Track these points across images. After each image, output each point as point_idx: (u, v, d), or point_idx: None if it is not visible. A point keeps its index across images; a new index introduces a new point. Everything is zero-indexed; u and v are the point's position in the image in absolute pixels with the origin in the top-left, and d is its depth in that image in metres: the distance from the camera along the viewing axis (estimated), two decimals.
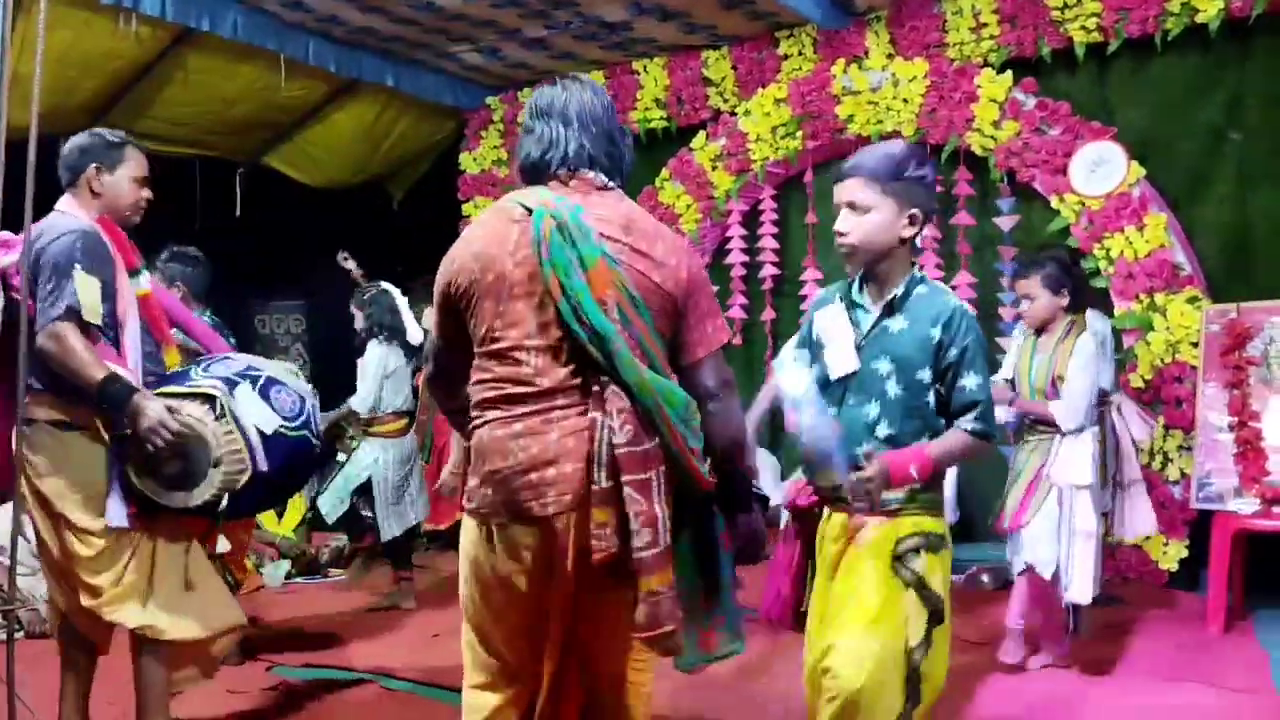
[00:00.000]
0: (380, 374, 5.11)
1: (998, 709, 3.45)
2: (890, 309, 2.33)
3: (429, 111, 7.36)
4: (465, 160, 7.50)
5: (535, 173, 2.17)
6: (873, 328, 2.34)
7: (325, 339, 8.10)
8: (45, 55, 2.72)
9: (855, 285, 2.41)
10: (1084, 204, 5.28)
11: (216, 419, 2.78)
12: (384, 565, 5.52)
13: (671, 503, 2.01)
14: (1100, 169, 5.24)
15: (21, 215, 2.66)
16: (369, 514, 5.20)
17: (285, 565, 6.01)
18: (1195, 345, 4.95)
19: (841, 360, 2.37)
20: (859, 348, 2.34)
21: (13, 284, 2.79)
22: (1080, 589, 3.76)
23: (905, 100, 5.75)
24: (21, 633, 4.30)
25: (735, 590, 2.18)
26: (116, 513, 2.80)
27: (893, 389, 2.28)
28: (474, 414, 2.13)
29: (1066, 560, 3.74)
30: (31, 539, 3.05)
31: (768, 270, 6.41)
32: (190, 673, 3.08)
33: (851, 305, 2.41)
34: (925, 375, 2.28)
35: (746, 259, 6.47)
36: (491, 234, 2.11)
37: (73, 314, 2.71)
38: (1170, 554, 5.07)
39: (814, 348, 2.50)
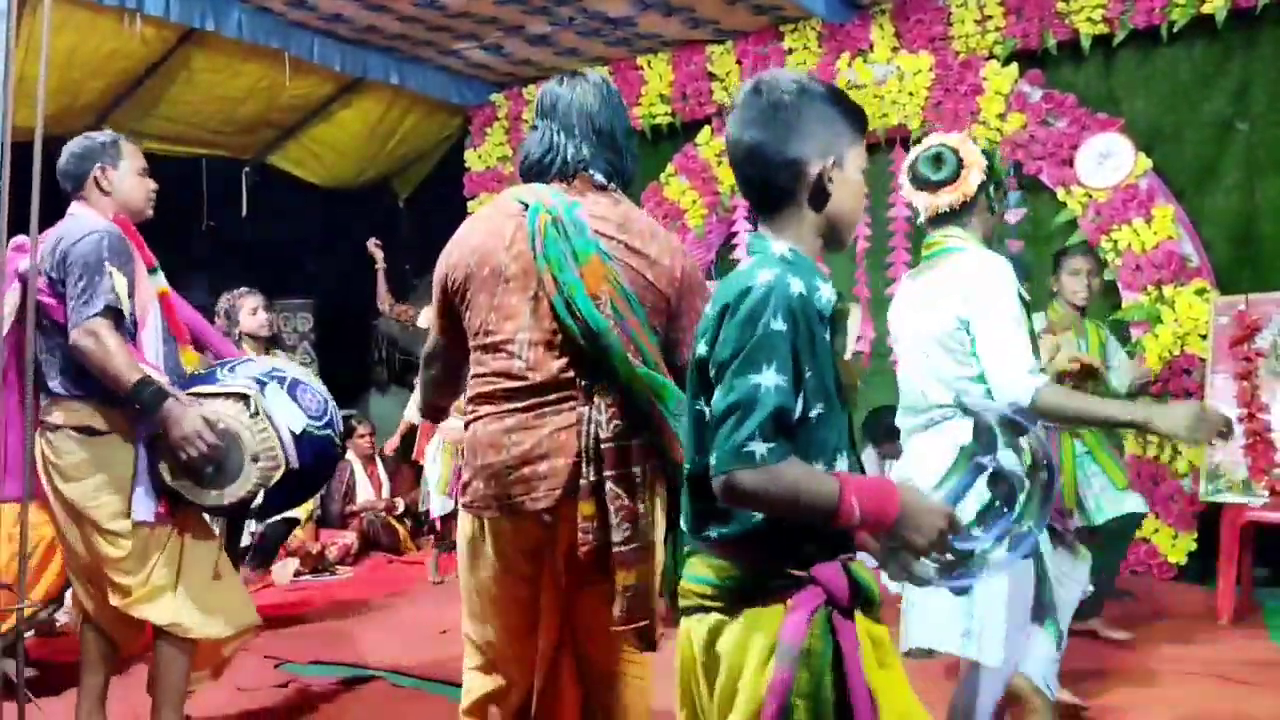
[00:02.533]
0: None
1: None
2: None
3: (434, 109, 7.37)
4: (470, 157, 7.51)
5: (535, 173, 2.19)
6: None
7: (333, 337, 8.13)
8: (50, 56, 2.73)
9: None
10: (1091, 196, 5.26)
11: (250, 417, 2.82)
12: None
13: (662, 499, 2.02)
14: (1107, 161, 5.22)
15: (28, 216, 2.67)
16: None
17: (293, 563, 6.03)
18: (1204, 337, 4.93)
19: None
20: None
21: (39, 288, 2.79)
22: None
23: (910, 94, 5.74)
24: (31, 631, 4.32)
25: None
26: (143, 508, 2.82)
27: None
28: (469, 408, 2.16)
29: None
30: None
31: None
32: (201, 673, 3.10)
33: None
34: None
35: None
36: (488, 228, 2.13)
37: (110, 311, 2.73)
38: (1179, 547, 5.05)
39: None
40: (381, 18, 5.98)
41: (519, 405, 2.05)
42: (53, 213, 2.94)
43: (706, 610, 1.58)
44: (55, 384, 2.82)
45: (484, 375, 2.11)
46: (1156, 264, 5.08)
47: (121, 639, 3.04)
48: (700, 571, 1.59)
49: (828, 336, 1.53)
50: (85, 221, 2.87)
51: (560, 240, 2.02)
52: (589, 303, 1.99)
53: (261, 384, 2.90)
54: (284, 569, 5.93)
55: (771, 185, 1.60)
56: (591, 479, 1.99)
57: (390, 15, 5.95)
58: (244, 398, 2.85)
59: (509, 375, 2.07)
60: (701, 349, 1.56)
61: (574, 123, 2.18)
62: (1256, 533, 4.58)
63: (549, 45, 6.53)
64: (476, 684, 2.24)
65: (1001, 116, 5.48)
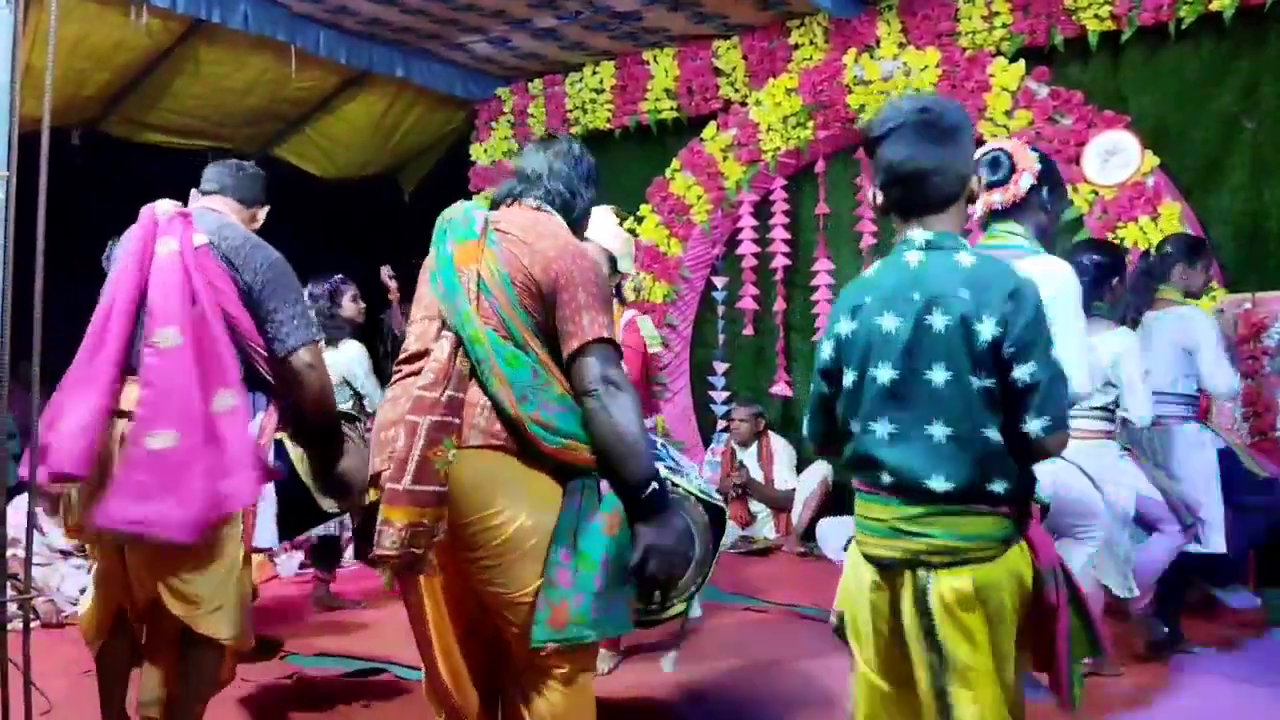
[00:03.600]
0: None
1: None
2: None
3: (439, 103, 7.37)
4: (476, 151, 7.51)
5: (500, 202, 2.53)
6: None
7: None
8: (57, 47, 2.73)
9: None
10: (1097, 194, 5.25)
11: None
12: None
13: (434, 452, 2.14)
14: (1114, 158, 5.21)
15: (35, 207, 2.67)
16: None
17: (299, 556, 6.03)
18: None
19: None
20: None
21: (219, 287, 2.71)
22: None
23: (917, 90, 5.72)
24: (37, 622, 4.33)
25: (608, 577, 2.19)
26: (268, 537, 2.84)
27: None
28: None
29: None
30: (50, 532, 3.06)
31: (779, 261, 6.39)
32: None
33: None
34: None
35: (758, 249, 6.46)
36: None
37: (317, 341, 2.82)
38: None
39: None
40: (387, 11, 5.98)
41: (409, 371, 2.34)
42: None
43: (969, 562, 1.88)
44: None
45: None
46: None
47: (144, 647, 2.98)
48: (973, 529, 1.90)
49: None
50: (254, 236, 2.88)
51: (450, 229, 2.37)
52: (452, 271, 2.28)
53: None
54: (289, 561, 5.94)
55: (950, 191, 1.98)
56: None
57: (396, 8, 5.95)
58: (351, 419, 3.07)
59: (414, 351, 2.36)
60: (990, 331, 1.85)
61: (525, 170, 2.48)
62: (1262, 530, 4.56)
63: (555, 39, 6.53)
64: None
65: (1008, 113, 5.47)
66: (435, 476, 2.14)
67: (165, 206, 2.74)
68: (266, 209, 3.04)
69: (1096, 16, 5.30)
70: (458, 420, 2.18)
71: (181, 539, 2.55)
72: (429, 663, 2.36)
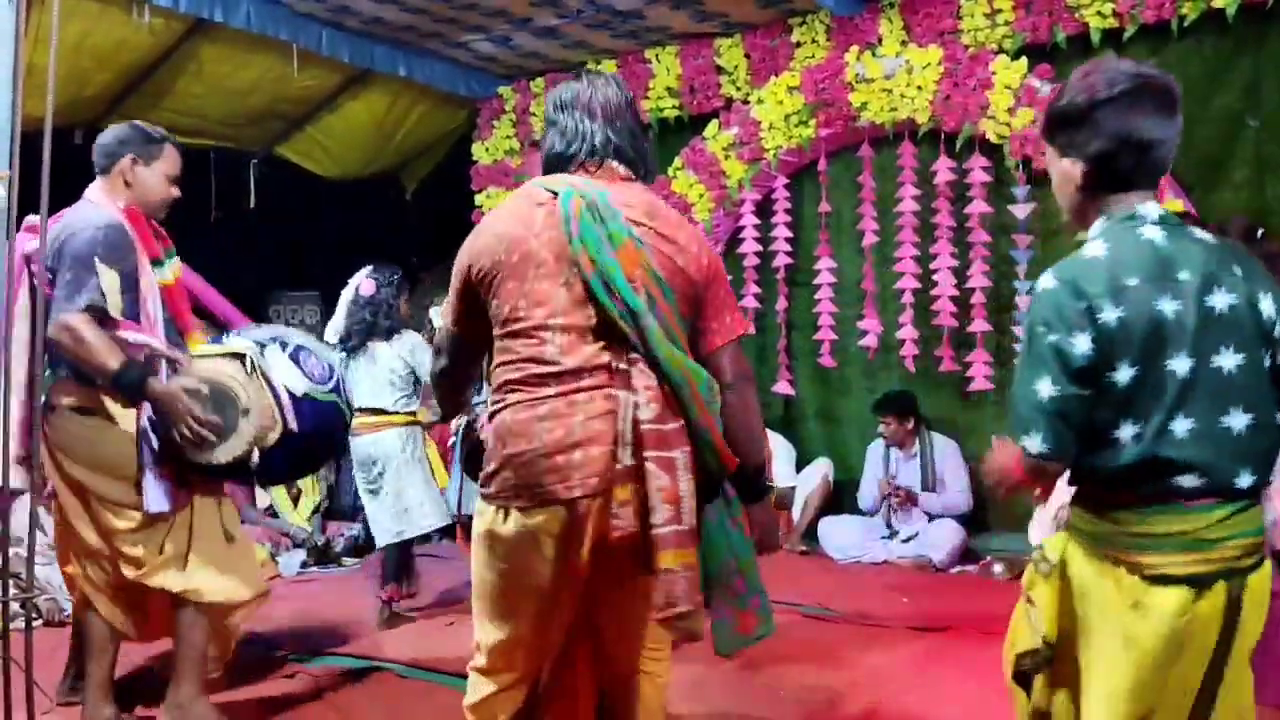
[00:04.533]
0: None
1: None
2: None
3: (441, 101, 7.36)
4: (478, 150, 7.50)
5: (561, 163, 2.20)
6: None
7: None
8: (59, 46, 2.73)
9: None
10: None
11: (247, 374, 2.83)
12: None
13: (698, 484, 2.00)
14: None
15: (37, 205, 2.67)
16: None
17: (300, 555, 6.05)
18: None
19: None
20: None
21: (35, 270, 2.82)
22: None
23: (919, 87, 5.72)
24: (40, 621, 4.34)
25: (759, 572, 2.19)
26: (156, 499, 2.84)
27: None
28: (495, 396, 2.14)
29: None
30: (49, 530, 3.08)
31: (781, 259, 6.39)
32: (212, 652, 3.10)
33: None
34: None
35: (760, 248, 6.46)
36: (515, 216, 2.13)
37: (93, 309, 2.74)
38: None
39: None
40: (389, 10, 5.98)
41: (550, 392, 2.03)
42: (62, 201, 2.95)
43: (1262, 560, 1.79)
44: (60, 366, 2.84)
45: (512, 362, 2.09)
46: None
47: (128, 623, 3.04)
48: (1259, 520, 1.79)
49: None
50: (90, 213, 2.89)
51: (595, 224, 2.02)
52: (627, 284, 1.99)
53: (261, 346, 2.91)
54: (290, 560, 5.95)
55: (1167, 164, 1.89)
56: (628, 463, 1.97)
57: (397, 7, 5.94)
58: (240, 357, 2.85)
59: (539, 361, 2.05)
60: (1271, 308, 1.77)
61: (597, 111, 2.19)
62: None
63: (557, 38, 6.52)
64: (483, 682, 2.21)
65: (1010, 111, 5.46)
66: (694, 510, 2.02)
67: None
68: (127, 158, 2.98)
69: (1099, 14, 5.29)
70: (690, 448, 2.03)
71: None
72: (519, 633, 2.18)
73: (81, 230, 2.81)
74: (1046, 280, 1.81)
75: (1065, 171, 1.89)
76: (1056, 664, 1.88)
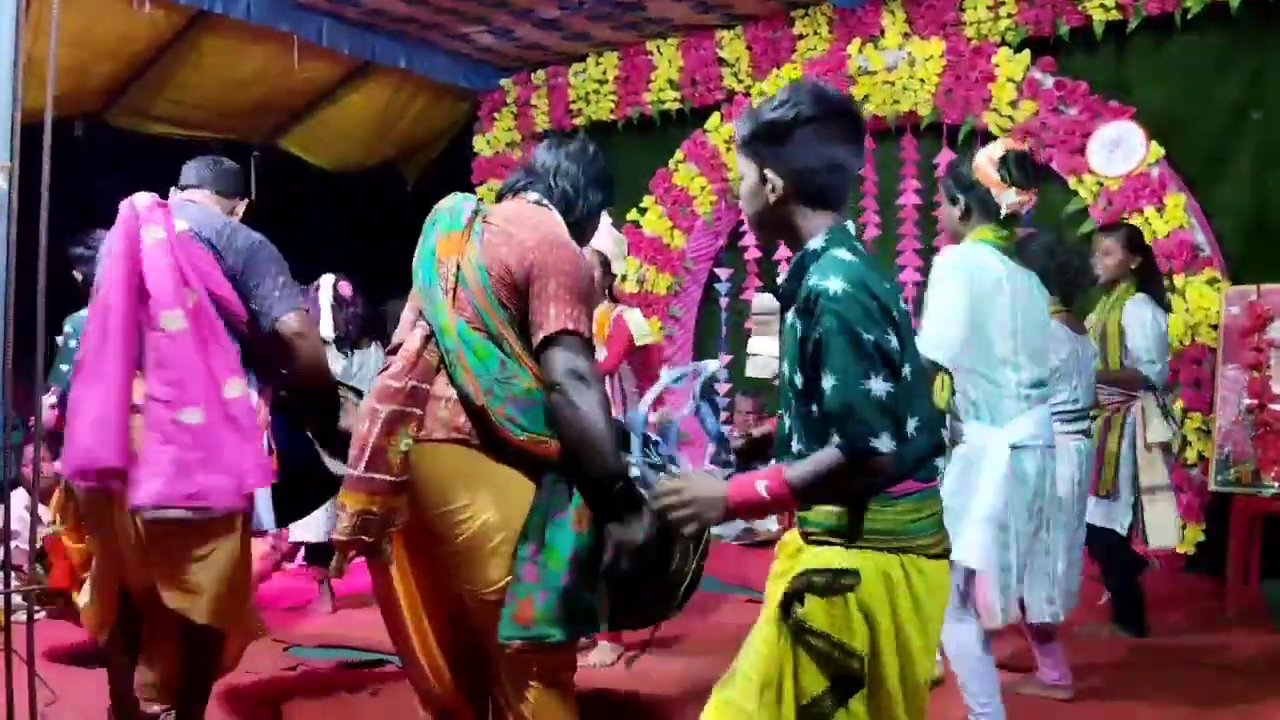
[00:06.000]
0: None
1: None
2: (785, 298, 1.88)
3: (442, 93, 7.35)
4: (479, 142, 7.49)
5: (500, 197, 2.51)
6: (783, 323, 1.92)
7: None
8: (60, 38, 2.73)
9: None
10: (1102, 184, 5.24)
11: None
12: None
13: (390, 441, 2.16)
14: (1119, 149, 5.19)
15: (38, 197, 2.66)
16: None
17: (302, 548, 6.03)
18: (1214, 327, 4.91)
19: (755, 363, 2.34)
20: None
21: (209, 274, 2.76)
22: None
23: (921, 80, 5.70)
24: (41, 613, 4.34)
25: (576, 575, 2.16)
26: (269, 518, 2.83)
27: (791, 396, 1.84)
28: None
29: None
30: (49, 523, 3.05)
31: (783, 253, 6.37)
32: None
33: None
34: (797, 379, 1.81)
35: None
36: None
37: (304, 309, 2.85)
38: (1188, 537, 5.03)
39: None
40: (390, 1, 5.96)
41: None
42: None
43: None
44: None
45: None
46: (1167, 253, 5.05)
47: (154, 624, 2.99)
48: None
49: None
50: (234, 221, 2.91)
51: (439, 220, 2.36)
52: (432, 262, 2.28)
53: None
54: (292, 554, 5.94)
55: None
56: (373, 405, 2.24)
57: None
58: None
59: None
60: None
61: (534, 165, 2.46)
62: (1266, 523, 4.56)
63: (558, 30, 6.50)
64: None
65: (1013, 104, 5.45)
66: (389, 466, 2.16)
67: (143, 198, 2.76)
68: (245, 202, 3.03)
69: (1102, 6, 5.27)
70: (419, 411, 2.18)
71: (233, 506, 2.64)
72: (406, 653, 2.38)
73: (249, 233, 2.83)
74: (834, 284, 1.71)
75: (758, 183, 1.86)
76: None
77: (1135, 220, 5.12)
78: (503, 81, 7.35)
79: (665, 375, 2.38)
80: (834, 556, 1.78)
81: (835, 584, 1.76)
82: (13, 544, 3.31)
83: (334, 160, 7.58)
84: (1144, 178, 5.13)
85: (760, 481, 1.76)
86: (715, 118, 6.45)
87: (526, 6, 6.11)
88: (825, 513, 1.81)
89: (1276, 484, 4.43)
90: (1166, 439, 4.11)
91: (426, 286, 2.27)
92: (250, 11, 5.71)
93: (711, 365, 2.32)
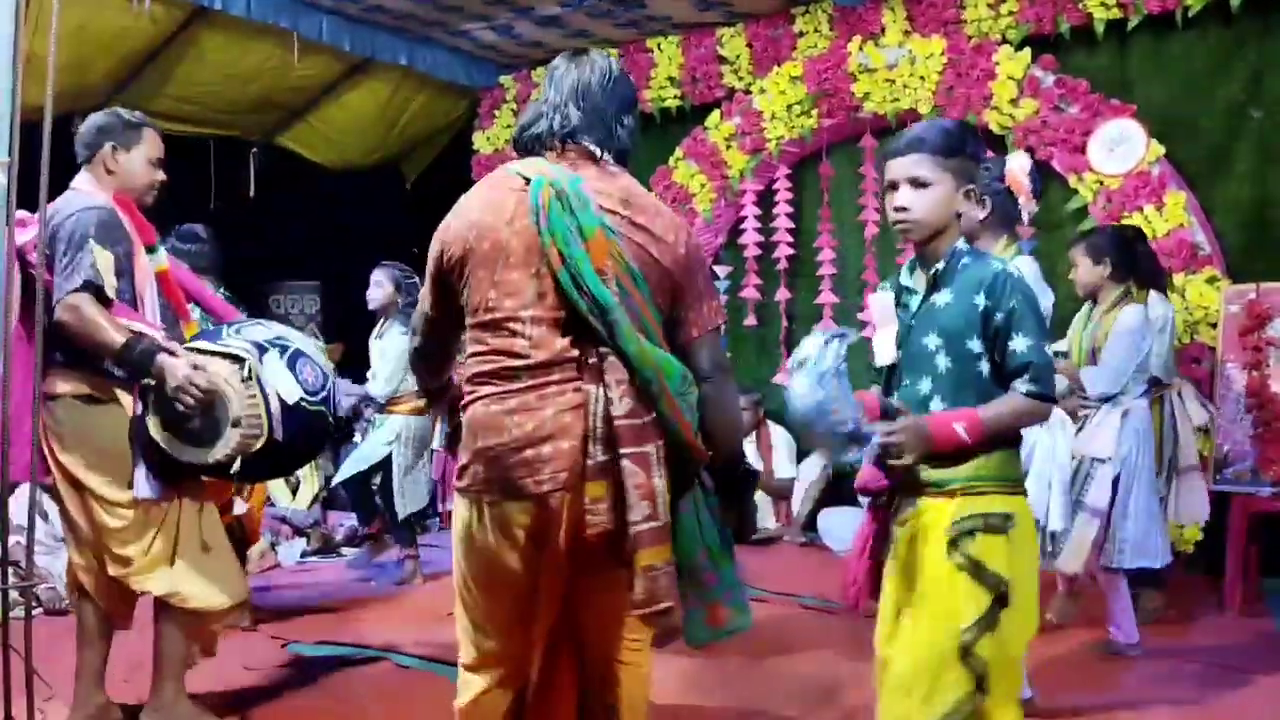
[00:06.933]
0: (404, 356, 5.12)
1: None
2: (935, 284, 2.26)
3: (442, 90, 7.34)
4: (479, 139, 7.49)
5: (524, 142, 2.17)
6: (920, 305, 2.29)
7: (340, 318, 8.11)
8: (59, 34, 2.72)
9: (907, 270, 2.36)
10: (1102, 183, 5.24)
11: (243, 381, 2.79)
12: (392, 546, 5.53)
13: (669, 477, 1.97)
14: (1119, 147, 5.19)
15: (37, 193, 2.67)
16: (379, 499, 5.30)
17: (300, 544, 6.05)
18: (1214, 326, 4.91)
19: (882, 350, 2.38)
20: (910, 328, 2.29)
21: (30, 261, 2.80)
22: (1067, 560, 3.78)
23: (922, 78, 5.70)
24: (40, 609, 4.34)
25: (736, 564, 2.15)
26: (144, 486, 2.83)
27: (943, 363, 2.22)
28: (467, 389, 2.10)
29: (1067, 528, 3.70)
30: (53, 519, 3.08)
31: (782, 250, 6.38)
32: (193, 649, 3.11)
33: (901, 290, 2.36)
34: (975, 345, 2.20)
35: (761, 239, 6.45)
36: (488, 203, 2.09)
37: (90, 286, 2.73)
38: (1186, 536, 5.04)
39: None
40: None
41: (520, 385, 2.00)
42: (63, 189, 2.94)
43: None
44: (56, 354, 2.83)
45: (483, 354, 2.06)
46: (1167, 251, 5.05)
47: (115, 613, 3.05)
48: None
49: None
50: (79, 198, 2.89)
51: (565, 215, 1.97)
52: (596, 278, 1.94)
53: (262, 350, 2.86)
54: (290, 549, 5.95)
55: None
56: (601, 459, 1.94)
57: None
58: (239, 360, 2.81)
59: (510, 354, 2.01)
60: None
61: (564, 94, 2.14)
62: (1265, 522, 4.57)
63: (558, 27, 6.50)
64: (473, 681, 2.19)
65: (1014, 102, 5.45)
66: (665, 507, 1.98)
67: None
68: (107, 147, 2.96)
69: (1103, 4, 5.27)
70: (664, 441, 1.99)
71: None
72: (502, 633, 2.17)
73: (73, 213, 2.81)
74: (1014, 270, 2.23)
75: (955, 194, 2.27)
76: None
77: (1135, 218, 5.12)
78: (503, 78, 7.35)
79: (816, 335, 2.31)
80: (994, 502, 2.19)
81: (1005, 524, 2.17)
82: (11, 540, 3.32)
83: (333, 157, 7.58)
84: (1144, 176, 5.13)
85: (958, 423, 2.14)
86: (715, 115, 6.45)
87: (527, 4, 6.11)
88: (990, 467, 2.19)
89: (1275, 483, 4.43)
90: (1203, 422, 4.35)
91: (602, 308, 1.94)
92: (250, 7, 5.71)
93: (852, 334, 2.32)
